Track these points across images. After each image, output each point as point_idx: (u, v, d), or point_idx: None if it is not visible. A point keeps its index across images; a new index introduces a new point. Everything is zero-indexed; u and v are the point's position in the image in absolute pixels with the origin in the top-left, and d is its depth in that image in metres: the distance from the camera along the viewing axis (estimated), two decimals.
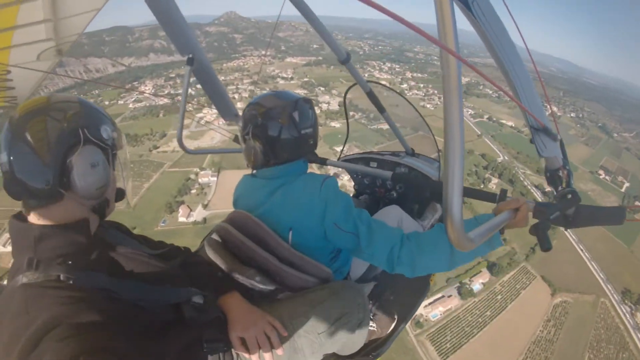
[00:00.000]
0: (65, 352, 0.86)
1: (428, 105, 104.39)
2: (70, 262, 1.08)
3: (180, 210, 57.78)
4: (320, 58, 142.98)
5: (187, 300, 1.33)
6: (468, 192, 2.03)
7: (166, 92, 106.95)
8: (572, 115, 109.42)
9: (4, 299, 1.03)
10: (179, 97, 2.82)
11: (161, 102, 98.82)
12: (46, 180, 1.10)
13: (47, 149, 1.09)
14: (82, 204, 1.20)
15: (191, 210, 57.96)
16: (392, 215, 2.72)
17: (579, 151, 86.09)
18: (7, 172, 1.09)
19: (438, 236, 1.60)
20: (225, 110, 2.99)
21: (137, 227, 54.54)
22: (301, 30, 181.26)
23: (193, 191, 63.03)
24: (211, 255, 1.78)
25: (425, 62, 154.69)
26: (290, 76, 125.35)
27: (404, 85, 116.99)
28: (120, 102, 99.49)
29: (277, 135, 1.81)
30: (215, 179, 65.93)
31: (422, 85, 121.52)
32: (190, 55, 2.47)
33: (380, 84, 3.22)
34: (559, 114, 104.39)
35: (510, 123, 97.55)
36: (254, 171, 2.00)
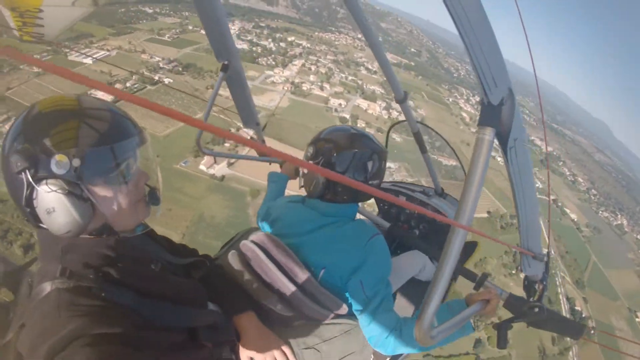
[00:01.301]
0: (92, 359, 0.90)
1: (499, 159, 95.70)
2: (100, 275, 1.09)
3: (205, 157, 56.39)
4: (412, 64, 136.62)
5: (202, 315, 1.37)
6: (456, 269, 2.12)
7: (249, 37, 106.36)
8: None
9: (37, 298, 1.04)
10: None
11: (239, 46, 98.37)
12: (29, 221, 1.09)
13: (16, 197, 1.05)
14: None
15: (215, 162, 56.31)
16: (418, 260, 2.89)
17: (628, 280, 74.79)
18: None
19: None
20: (248, 118, 2.98)
21: (160, 157, 54.47)
22: (405, 29, 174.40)
23: (227, 144, 61.35)
24: (235, 271, 1.78)
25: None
26: (374, 69, 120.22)
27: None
28: (202, 31, 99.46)
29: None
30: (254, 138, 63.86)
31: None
32: (226, 62, 2.42)
33: (431, 128, 3.34)
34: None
35: (574, 216, 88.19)
36: (308, 197, 2.00)
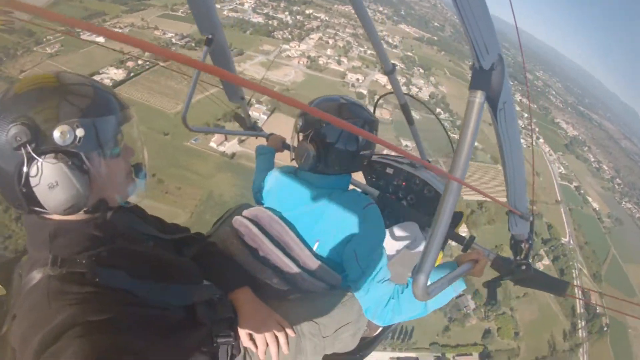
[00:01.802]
0: (86, 350, 0.86)
1: (522, 141, 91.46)
2: (93, 259, 1.06)
3: (215, 135, 55.77)
4: (435, 38, 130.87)
5: (197, 292, 1.37)
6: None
7: (265, 11, 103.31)
8: None
9: (26, 287, 1.02)
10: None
11: (255, 19, 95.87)
12: (20, 206, 1.03)
13: (7, 182, 0.98)
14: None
15: (226, 139, 56.03)
16: (410, 233, 2.88)
17: None
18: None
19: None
20: (233, 93, 2.96)
21: (170, 134, 54.62)
22: (428, 2, 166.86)
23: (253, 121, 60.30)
24: (228, 246, 1.79)
25: (542, 92, 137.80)
26: (395, 44, 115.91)
27: None
28: (218, 5, 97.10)
29: (335, 149, 1.81)
30: (265, 117, 63.15)
31: (525, 115, 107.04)
32: (210, 36, 2.39)
33: (418, 99, 3.49)
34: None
35: (595, 205, 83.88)
36: (300, 169, 1.98)
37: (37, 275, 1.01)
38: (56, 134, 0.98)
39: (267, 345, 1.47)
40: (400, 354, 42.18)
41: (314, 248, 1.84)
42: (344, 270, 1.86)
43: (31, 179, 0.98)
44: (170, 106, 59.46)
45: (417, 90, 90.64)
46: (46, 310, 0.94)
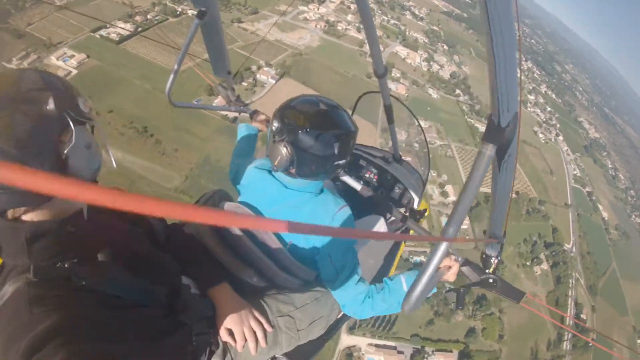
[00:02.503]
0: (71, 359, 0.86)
1: (541, 135, 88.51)
2: (75, 260, 1.04)
3: (219, 97, 53.36)
4: (465, 15, 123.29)
5: (178, 290, 1.40)
6: (415, 227, 2.58)
7: None
8: None
9: (4, 297, 0.98)
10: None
11: None
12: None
13: (37, 145, 0.96)
14: None
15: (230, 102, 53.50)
16: (377, 226, 3.10)
17: None
18: None
19: (389, 298, 1.84)
20: (219, 66, 2.86)
21: (174, 94, 51.61)
22: None
23: (244, 83, 58.70)
24: (206, 240, 1.84)
25: (569, 87, 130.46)
26: (421, 15, 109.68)
27: (531, 97, 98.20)
28: None
29: (310, 157, 1.78)
30: (273, 81, 61.13)
31: (549, 108, 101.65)
32: (204, 9, 2.28)
33: (401, 102, 3.33)
34: None
35: (605, 214, 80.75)
36: (273, 169, 1.96)
37: (14, 285, 0.98)
38: (81, 102, 1.07)
39: (246, 340, 1.53)
40: (379, 342, 41.80)
41: (287, 247, 1.89)
42: (317, 268, 1.93)
43: (70, 147, 1.02)
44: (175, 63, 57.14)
45: (439, 67, 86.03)
46: (28, 317, 0.91)
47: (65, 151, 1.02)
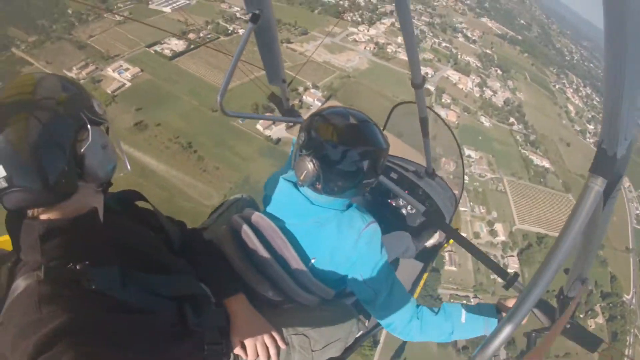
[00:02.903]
0: None
1: None
2: (87, 262, 1.03)
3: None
4: (520, 38, 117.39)
5: (192, 298, 1.34)
6: (480, 256, 2.29)
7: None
8: None
9: (14, 293, 0.99)
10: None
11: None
12: (61, 179, 1.02)
13: (54, 145, 1.00)
14: (92, 189, 1.16)
15: (274, 124, 52.64)
16: (402, 243, 2.93)
17: None
18: (6, 187, 0.97)
19: (443, 324, 1.73)
20: (274, 74, 2.74)
21: (219, 111, 51.45)
22: None
23: (290, 104, 56.76)
24: (226, 250, 1.78)
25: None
26: (474, 38, 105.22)
27: (591, 126, 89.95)
28: None
29: (337, 174, 1.68)
30: (319, 103, 59.14)
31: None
32: (257, 12, 2.15)
33: (439, 115, 3.29)
34: None
35: None
36: (299, 184, 1.85)
37: (25, 281, 0.99)
38: (96, 104, 1.11)
39: (258, 354, 1.47)
40: None
41: (310, 264, 1.79)
42: (337, 286, 1.86)
43: (86, 146, 1.05)
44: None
45: (492, 94, 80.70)
46: (37, 315, 0.91)
47: (82, 150, 1.05)
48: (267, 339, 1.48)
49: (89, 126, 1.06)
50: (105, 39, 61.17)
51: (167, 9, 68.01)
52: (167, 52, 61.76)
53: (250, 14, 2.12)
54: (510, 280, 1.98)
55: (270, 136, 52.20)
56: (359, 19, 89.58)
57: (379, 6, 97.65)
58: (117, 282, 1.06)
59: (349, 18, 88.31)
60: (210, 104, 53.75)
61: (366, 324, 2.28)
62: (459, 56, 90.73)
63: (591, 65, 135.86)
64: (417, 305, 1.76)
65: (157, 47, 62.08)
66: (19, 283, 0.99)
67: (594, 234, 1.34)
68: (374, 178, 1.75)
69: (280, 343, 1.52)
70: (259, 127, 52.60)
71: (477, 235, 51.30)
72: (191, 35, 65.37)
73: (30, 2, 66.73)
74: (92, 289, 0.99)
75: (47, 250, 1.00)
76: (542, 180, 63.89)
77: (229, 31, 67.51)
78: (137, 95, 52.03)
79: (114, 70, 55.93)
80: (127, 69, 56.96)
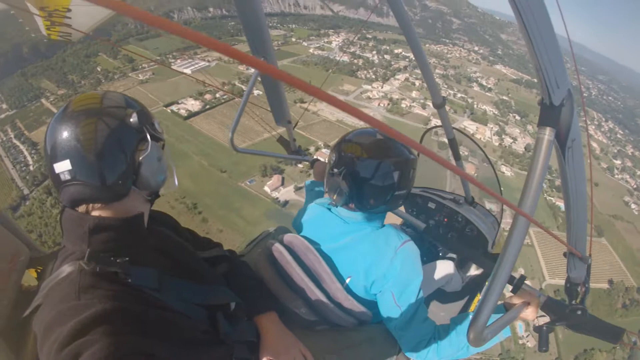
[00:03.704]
0: (111, 349, 0.86)
1: (634, 206, 69.72)
2: (127, 259, 1.07)
3: (272, 178, 50.22)
4: (535, 81, 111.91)
5: (224, 307, 1.36)
6: (486, 265, 2.21)
7: (352, 49, 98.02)
8: None
9: (57, 278, 1.03)
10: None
11: (340, 58, 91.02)
12: (118, 180, 1.09)
13: (118, 149, 1.08)
14: (142, 197, 1.21)
15: (282, 185, 50.39)
16: (446, 272, 2.75)
17: None
18: (69, 180, 1.05)
19: (456, 339, 1.64)
20: (280, 115, 2.88)
21: (227, 172, 51.85)
22: None
23: (300, 165, 54.42)
24: (260, 269, 1.75)
25: None
26: (489, 86, 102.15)
27: (617, 161, 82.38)
28: (305, 43, 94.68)
29: (369, 188, 1.66)
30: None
31: (639, 172, 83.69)
32: (262, 58, 2.31)
33: (466, 134, 3.16)
34: None
35: None
36: (332, 205, 1.86)
37: (69, 268, 1.02)
38: (156, 122, 1.19)
39: None
40: None
41: (345, 283, 1.72)
42: (374, 307, 1.74)
43: (144, 155, 1.12)
44: (236, 142, 55.16)
45: (511, 140, 75.60)
46: (75, 302, 0.93)
47: (140, 158, 1.12)
48: (297, 357, 1.39)
49: (149, 139, 1.13)
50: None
51: (188, 70, 69.06)
52: (182, 111, 61.82)
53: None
54: (517, 284, 1.85)
55: (277, 198, 49.20)
56: (373, 76, 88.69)
57: (392, 62, 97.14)
58: (153, 282, 1.08)
59: (362, 75, 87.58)
60: (220, 164, 52.49)
61: None
62: (475, 105, 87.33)
63: (609, 98, 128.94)
64: (435, 326, 1.66)
65: (174, 107, 62.41)
66: (64, 268, 1.02)
67: (570, 202, 1.34)
68: (406, 190, 1.71)
69: None
70: (266, 188, 50.03)
71: (503, 297, 43.84)
72: (208, 96, 65.44)
73: (65, 59, 70.14)
74: (128, 283, 1.03)
75: (93, 243, 1.06)
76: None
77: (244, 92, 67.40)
78: None
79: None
80: None
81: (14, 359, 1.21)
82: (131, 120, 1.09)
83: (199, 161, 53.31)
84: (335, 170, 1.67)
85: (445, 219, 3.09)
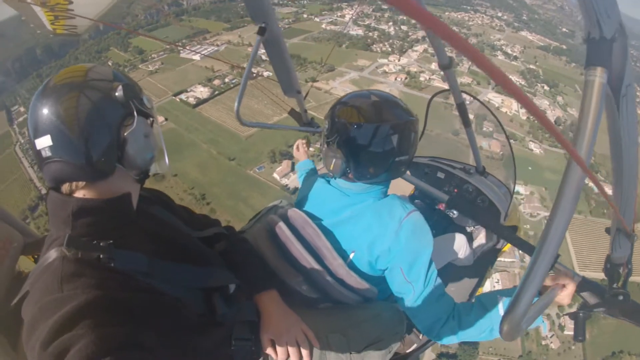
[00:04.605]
0: (98, 344, 0.80)
1: None
2: (110, 241, 1.00)
3: (282, 164, 46.62)
4: (564, 47, 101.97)
5: (222, 288, 1.28)
6: (513, 239, 2.00)
7: (367, 22, 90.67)
8: None
9: (42, 265, 0.98)
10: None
11: (354, 32, 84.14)
12: (101, 157, 1.01)
13: (101, 124, 1.00)
14: (129, 176, 1.12)
15: (292, 171, 46.20)
16: (457, 244, 2.61)
17: None
18: (50, 157, 0.97)
19: (481, 321, 1.45)
20: (288, 86, 2.67)
21: (236, 159, 49.20)
22: (554, 5, 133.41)
23: (312, 149, 50.24)
24: (260, 246, 1.66)
25: None
26: (515, 54, 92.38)
27: None
28: (316, 19, 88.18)
29: (367, 156, 1.52)
30: None
31: None
32: (263, 25, 2.15)
33: (476, 98, 2.97)
34: None
35: None
36: (331, 177, 1.73)
37: (53, 254, 0.96)
38: (145, 98, 1.11)
39: (289, 355, 1.31)
40: None
41: (349, 259, 1.59)
42: (380, 284, 1.62)
43: (130, 130, 1.04)
44: (245, 128, 52.31)
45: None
46: (58, 294, 0.87)
47: (125, 134, 1.03)
48: (299, 336, 1.30)
49: (135, 114, 1.05)
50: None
51: (197, 57, 65.76)
52: (191, 100, 59.01)
53: (258, 27, 2.07)
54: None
55: (287, 185, 45.77)
56: (389, 49, 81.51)
57: (409, 33, 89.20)
58: (140, 265, 1.01)
59: (378, 49, 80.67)
60: (229, 151, 49.87)
61: (420, 337, 2.03)
62: None
63: None
64: (454, 304, 1.49)
65: (183, 96, 59.66)
66: (50, 254, 0.97)
67: (623, 156, 1.10)
68: (408, 155, 1.56)
69: (313, 342, 1.33)
70: (275, 175, 46.67)
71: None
72: (217, 81, 61.95)
73: (77, 56, 68.82)
74: (113, 268, 0.96)
75: (78, 227, 0.99)
76: (605, 211, 49.09)
77: (254, 75, 62.89)
78: None
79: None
80: None
81: (7, 345, 1.18)
82: (116, 94, 1.01)
83: (207, 149, 50.76)
84: (329, 139, 1.52)
85: (456, 189, 2.86)
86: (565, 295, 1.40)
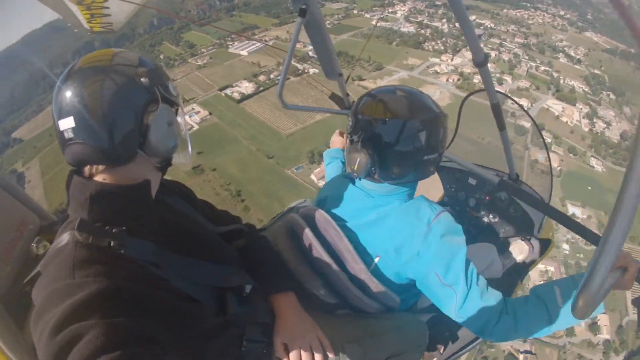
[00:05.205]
0: (109, 335, 0.78)
1: None
2: (124, 228, 0.98)
3: (320, 166, 44.28)
4: (632, 51, 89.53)
5: (237, 288, 1.22)
6: (568, 222, 1.84)
7: (419, 19, 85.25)
8: None
9: (56, 247, 0.96)
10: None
11: (405, 29, 79.34)
12: (122, 141, 0.98)
13: (124, 108, 0.98)
14: (150, 164, 1.09)
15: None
16: (486, 255, 2.41)
17: None
18: (72, 138, 0.95)
19: (539, 313, 1.33)
20: (330, 69, 2.59)
21: (275, 158, 47.94)
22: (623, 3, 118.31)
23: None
24: (279, 246, 1.57)
25: None
26: (578, 57, 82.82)
27: None
28: (367, 15, 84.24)
29: (393, 154, 1.42)
30: None
31: None
32: (304, 6, 2.08)
33: (512, 99, 2.75)
34: None
35: None
36: (355, 177, 1.61)
37: (65, 238, 0.94)
38: (171, 86, 1.08)
39: None
40: None
41: (373, 264, 1.47)
42: (404, 292, 1.52)
43: (153, 117, 1.01)
44: (287, 126, 51.46)
45: (604, 126, 58.71)
46: (69, 281, 0.85)
47: (148, 120, 1.01)
48: (313, 343, 1.22)
49: (159, 100, 1.02)
50: (185, 83, 60.85)
51: (244, 52, 64.74)
52: (236, 95, 58.45)
53: (299, 9, 2.02)
54: None
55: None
56: (442, 47, 75.89)
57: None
58: (151, 256, 0.99)
59: (430, 47, 75.39)
60: (268, 149, 48.61)
61: (441, 351, 1.98)
62: (562, 81, 70.60)
63: None
64: (504, 299, 1.36)
65: (228, 91, 59.27)
66: (63, 237, 0.95)
67: None
68: (437, 153, 1.46)
69: (328, 350, 1.24)
70: (312, 177, 44.58)
71: (570, 332, 33.08)
72: (262, 77, 60.82)
73: (132, 49, 70.76)
74: (125, 257, 0.94)
75: (94, 211, 0.96)
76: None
77: (299, 71, 60.96)
78: (201, 138, 48.82)
79: (185, 113, 55.93)
80: (197, 112, 54.85)
81: (15, 327, 1.16)
82: (142, 79, 0.99)
83: (247, 146, 49.92)
84: (353, 137, 1.42)
85: (487, 197, 2.70)
86: (628, 279, 1.23)
